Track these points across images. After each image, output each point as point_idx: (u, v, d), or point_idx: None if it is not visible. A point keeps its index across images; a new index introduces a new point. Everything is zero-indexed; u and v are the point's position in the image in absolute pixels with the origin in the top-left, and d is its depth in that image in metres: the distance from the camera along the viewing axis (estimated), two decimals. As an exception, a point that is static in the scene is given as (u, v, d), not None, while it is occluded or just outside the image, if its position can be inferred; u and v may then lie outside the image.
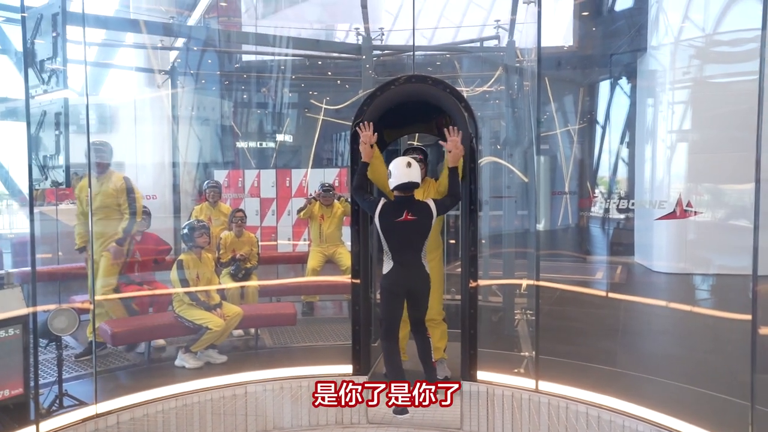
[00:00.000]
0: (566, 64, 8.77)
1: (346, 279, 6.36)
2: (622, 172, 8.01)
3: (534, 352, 4.35)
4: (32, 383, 3.67)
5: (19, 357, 3.55)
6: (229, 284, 5.79)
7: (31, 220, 3.61)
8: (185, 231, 5.14)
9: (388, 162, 4.21)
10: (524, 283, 6.22)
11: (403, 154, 4.34)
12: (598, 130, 8.52)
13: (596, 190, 8.68)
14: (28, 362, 3.59)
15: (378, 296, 4.09)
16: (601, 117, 8.49)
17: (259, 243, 6.44)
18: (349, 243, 6.99)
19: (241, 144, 10.43)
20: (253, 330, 5.63)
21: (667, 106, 7.70)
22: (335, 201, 6.84)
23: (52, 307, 3.78)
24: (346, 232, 6.98)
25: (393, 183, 3.97)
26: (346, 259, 6.68)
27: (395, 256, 4.02)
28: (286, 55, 8.39)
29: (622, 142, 7.76)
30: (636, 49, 8.52)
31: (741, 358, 3.53)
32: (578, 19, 8.65)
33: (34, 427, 3.52)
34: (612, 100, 8.26)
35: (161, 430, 4.11)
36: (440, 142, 4.19)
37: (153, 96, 8.67)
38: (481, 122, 7.38)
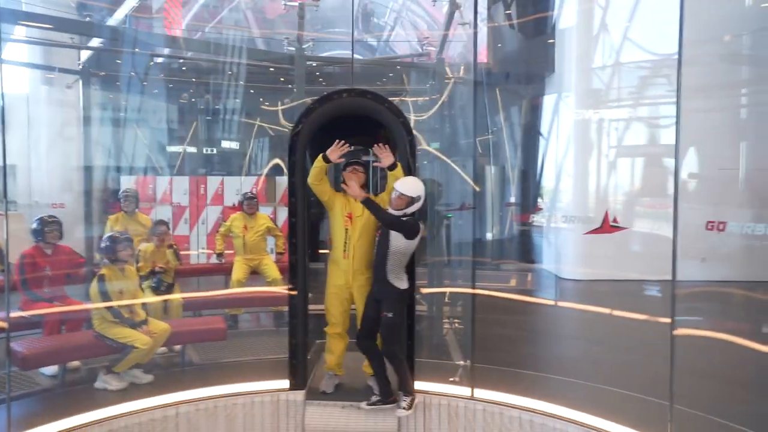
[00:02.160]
0: (513, 77, 9.27)
1: (277, 290, 6.28)
2: (566, 183, 8.54)
3: (468, 361, 4.53)
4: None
5: None
6: (153, 298, 5.49)
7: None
8: (106, 243, 4.81)
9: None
10: (448, 291, 6.45)
11: (344, 168, 4.35)
12: (542, 142, 9.04)
13: (540, 201, 9.21)
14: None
15: (389, 312, 4.07)
16: (545, 129, 9.03)
17: (179, 253, 6.16)
18: (273, 255, 6.92)
19: (153, 148, 9.91)
20: (178, 347, 5.37)
21: (608, 123, 8.43)
22: (257, 212, 6.73)
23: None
24: (270, 241, 6.89)
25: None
26: (272, 270, 6.57)
27: None
28: (224, 61, 8.13)
29: (565, 156, 8.32)
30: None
31: (658, 358, 3.89)
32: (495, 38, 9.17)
33: (-61, 465, 3.14)
34: (557, 114, 8.79)
35: (84, 458, 3.82)
36: (374, 163, 4.35)
37: (55, 95, 8.05)
38: (430, 132, 7.58)
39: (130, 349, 4.58)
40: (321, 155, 4.15)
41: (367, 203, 4.05)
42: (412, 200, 4.02)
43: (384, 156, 4.10)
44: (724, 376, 4.86)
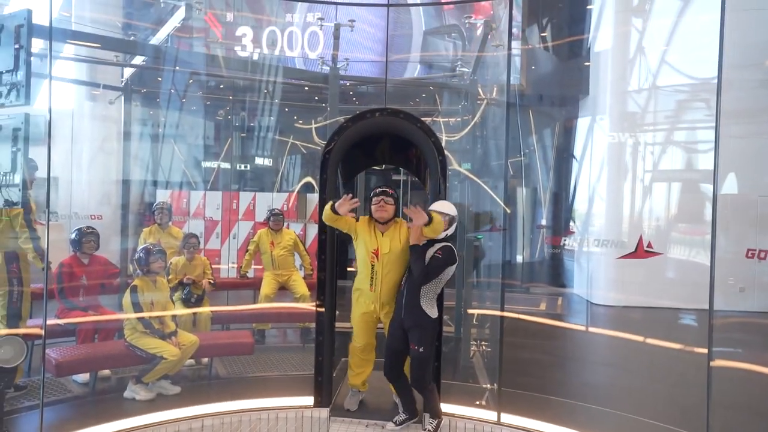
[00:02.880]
0: (546, 99, 9.23)
1: (305, 306, 6.32)
2: (599, 207, 8.41)
3: (495, 385, 4.45)
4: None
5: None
6: (184, 310, 5.57)
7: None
8: (140, 255, 4.93)
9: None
10: (476, 312, 6.38)
11: (372, 196, 4.13)
12: (575, 165, 8.94)
13: (572, 224, 9.08)
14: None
15: (420, 347, 3.93)
16: (578, 152, 8.94)
17: (212, 266, 6.26)
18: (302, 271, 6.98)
19: (189, 163, 10.15)
20: (205, 359, 5.43)
21: (644, 146, 8.32)
22: (284, 227, 6.82)
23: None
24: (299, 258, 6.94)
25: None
26: (300, 286, 6.62)
27: None
28: (260, 79, 8.33)
29: (599, 179, 8.21)
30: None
31: (693, 389, 3.76)
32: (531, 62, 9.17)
33: (-27, 467, 3.23)
34: (590, 137, 8.70)
35: (111, 467, 3.87)
36: (408, 224, 4.08)
37: (98, 111, 8.34)
38: (462, 153, 7.59)
39: (159, 360, 4.65)
40: (330, 204, 3.91)
41: (414, 248, 3.87)
42: (452, 220, 3.99)
43: (417, 216, 3.77)
44: (761, 410, 4.66)
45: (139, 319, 4.71)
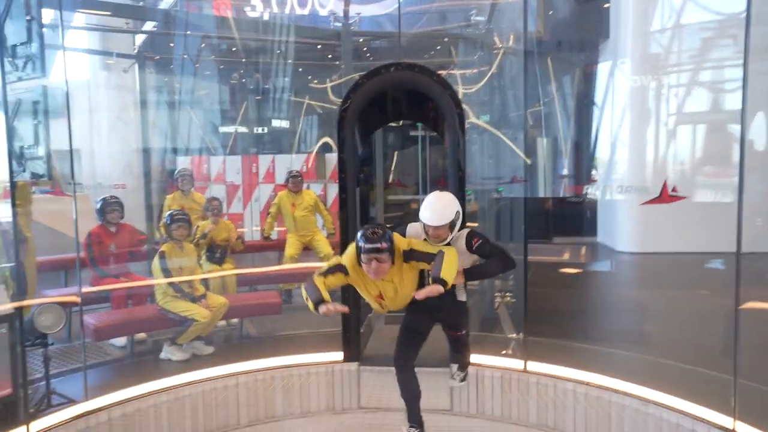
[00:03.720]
0: (565, 45, 8.88)
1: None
2: (621, 153, 8.16)
3: (521, 334, 4.50)
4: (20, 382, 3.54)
5: (6, 356, 3.42)
6: (211, 272, 5.70)
7: (14, 214, 3.46)
8: (167, 221, 5.03)
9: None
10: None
11: (361, 253, 3.10)
12: (596, 112, 8.66)
13: (594, 173, 8.89)
14: (16, 361, 3.47)
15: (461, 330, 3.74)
16: (599, 99, 8.64)
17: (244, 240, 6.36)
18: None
19: (207, 129, 10.17)
20: (236, 320, 5.58)
21: (667, 89, 8.02)
22: (303, 188, 6.86)
23: (37, 301, 3.65)
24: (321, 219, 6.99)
25: None
26: (324, 245, 6.69)
27: None
28: (272, 40, 8.21)
29: (621, 125, 7.92)
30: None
31: (721, 333, 3.75)
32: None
33: (24, 427, 3.41)
34: (612, 82, 8.37)
35: (153, 424, 4.05)
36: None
37: (113, 80, 8.34)
38: (479, 105, 7.43)
39: (191, 322, 4.80)
40: (311, 305, 3.09)
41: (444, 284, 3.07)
42: (452, 222, 3.32)
43: (425, 294, 3.03)
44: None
45: (169, 283, 4.84)
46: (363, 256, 3.05)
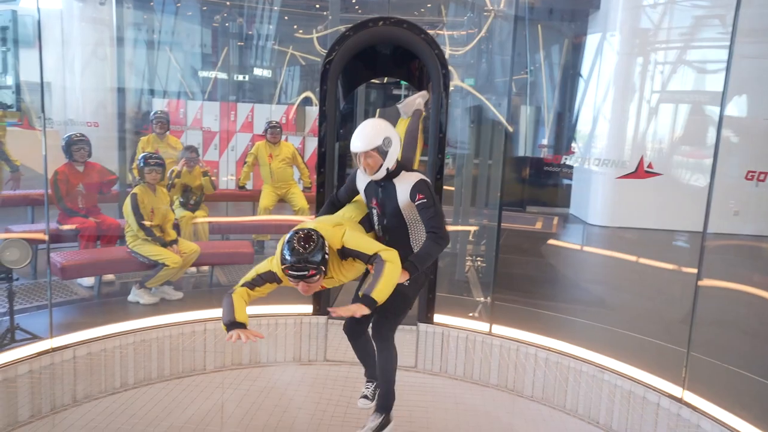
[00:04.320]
0: (556, 14, 8.72)
1: (304, 219, 6.37)
2: (602, 128, 8.13)
3: (488, 298, 4.59)
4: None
5: (-30, 289, 3.36)
6: (185, 219, 5.63)
7: (-21, 145, 3.33)
8: (140, 163, 4.92)
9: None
10: (472, 229, 6.47)
11: (290, 277, 2.57)
12: (581, 84, 8.59)
13: (573, 145, 8.90)
14: (-21, 295, 3.41)
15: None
16: (585, 71, 8.54)
17: (213, 181, 6.26)
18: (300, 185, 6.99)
19: (186, 72, 9.88)
20: (206, 267, 5.56)
21: (654, 66, 7.99)
22: (282, 140, 6.77)
23: (1, 236, 3.57)
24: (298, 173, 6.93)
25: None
26: (299, 199, 6.65)
27: None
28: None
29: (604, 99, 7.88)
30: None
31: (680, 307, 3.89)
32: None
33: (-13, 360, 3.39)
34: (599, 55, 8.28)
35: (119, 364, 4.06)
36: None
37: (88, 13, 7.97)
38: (465, 68, 7.32)
39: (161, 267, 4.76)
40: (224, 325, 2.72)
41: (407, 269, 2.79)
42: (383, 150, 2.86)
43: (344, 314, 2.61)
44: (743, 327, 4.85)
45: (140, 226, 4.77)
46: (290, 279, 2.55)
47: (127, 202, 4.84)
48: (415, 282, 2.97)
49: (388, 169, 2.91)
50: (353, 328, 3.14)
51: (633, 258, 5.82)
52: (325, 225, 2.80)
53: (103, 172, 5.53)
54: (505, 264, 6.04)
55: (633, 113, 8.04)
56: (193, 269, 5.56)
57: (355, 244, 2.73)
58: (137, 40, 8.66)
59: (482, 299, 5.06)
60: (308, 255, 2.51)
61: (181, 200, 5.80)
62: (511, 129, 5.58)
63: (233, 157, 9.48)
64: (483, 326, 4.45)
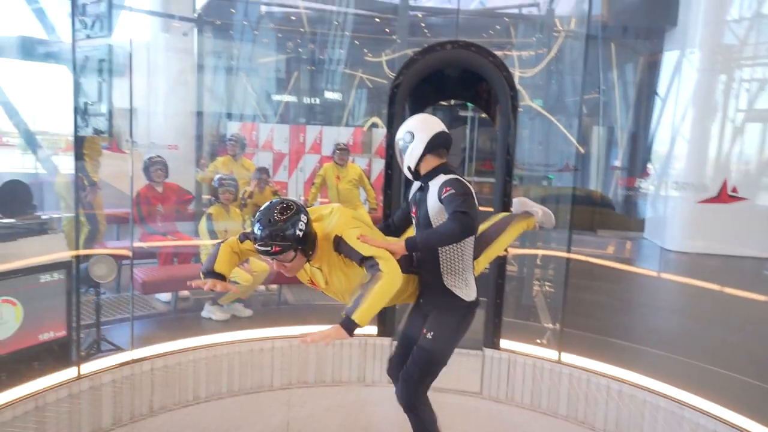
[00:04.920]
0: (631, 32, 8.46)
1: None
2: (681, 149, 7.69)
3: (558, 324, 4.45)
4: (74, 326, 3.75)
5: (63, 300, 3.62)
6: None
7: (76, 168, 3.61)
8: (215, 184, 5.16)
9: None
10: (540, 253, 6.31)
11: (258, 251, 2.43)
12: (658, 104, 8.23)
13: (649, 166, 8.52)
14: (71, 306, 3.66)
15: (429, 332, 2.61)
16: (662, 89, 8.18)
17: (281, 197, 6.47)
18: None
19: (260, 96, 10.31)
20: (275, 286, 5.71)
21: (739, 83, 7.59)
22: (349, 162, 6.90)
23: (93, 252, 3.82)
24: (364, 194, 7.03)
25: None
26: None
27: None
28: (330, 10, 8.19)
29: (683, 119, 7.49)
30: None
31: (766, 341, 3.61)
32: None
33: (76, 368, 3.61)
34: (677, 73, 7.91)
35: (192, 378, 4.22)
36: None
37: (172, 43, 8.51)
38: (534, 89, 7.24)
39: (232, 285, 4.92)
40: (202, 273, 2.61)
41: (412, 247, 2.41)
42: (403, 146, 2.61)
43: (317, 340, 2.25)
44: None
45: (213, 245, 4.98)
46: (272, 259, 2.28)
47: (203, 221, 5.07)
48: (446, 336, 2.55)
49: (409, 168, 2.58)
50: (395, 369, 2.72)
51: (716, 287, 5.44)
52: (349, 212, 2.46)
53: (180, 192, 5.84)
54: (574, 289, 5.85)
55: (715, 133, 7.60)
56: (263, 288, 5.73)
57: (353, 239, 2.28)
58: (216, 67, 9.15)
59: (551, 326, 4.91)
60: (275, 227, 2.18)
61: (252, 220, 6.01)
62: (582, 150, 5.42)
63: (302, 177, 9.75)
64: (552, 354, 4.30)
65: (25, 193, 3.58)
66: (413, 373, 2.59)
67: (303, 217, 2.24)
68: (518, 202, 3.19)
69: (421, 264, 2.62)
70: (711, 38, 7.70)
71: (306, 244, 2.25)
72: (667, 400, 3.74)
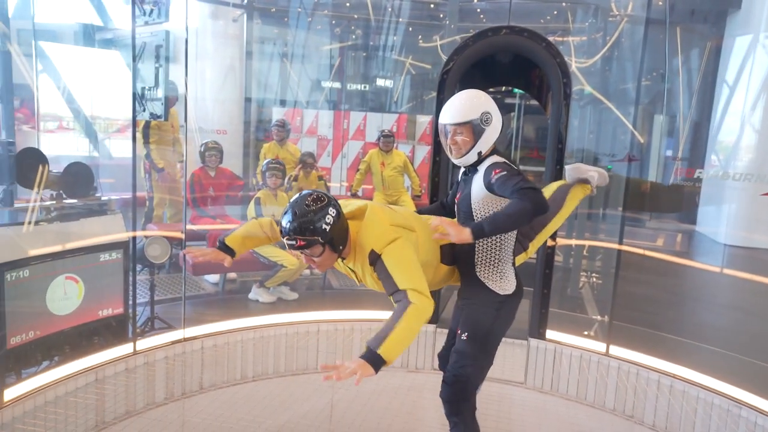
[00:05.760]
0: (698, 15, 8.00)
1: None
2: (750, 139, 7.21)
3: (606, 316, 4.36)
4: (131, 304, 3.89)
5: (120, 279, 3.76)
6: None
7: (133, 149, 3.72)
8: (263, 169, 5.24)
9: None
10: (587, 244, 6.18)
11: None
12: (725, 91, 7.77)
13: (713, 158, 8.12)
14: (128, 284, 3.80)
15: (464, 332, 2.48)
16: (730, 76, 7.67)
17: (327, 185, 6.54)
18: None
19: (307, 82, 10.38)
20: (320, 271, 5.78)
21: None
22: (394, 149, 6.89)
23: (148, 233, 3.94)
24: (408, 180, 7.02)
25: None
26: (409, 206, 6.74)
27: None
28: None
29: (753, 108, 7.01)
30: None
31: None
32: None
33: (132, 344, 3.75)
34: (748, 59, 7.40)
35: (240, 358, 4.33)
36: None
37: (221, 29, 8.64)
38: (589, 75, 6.99)
39: (279, 268, 5.03)
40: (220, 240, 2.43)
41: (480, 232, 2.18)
42: (479, 127, 2.35)
43: (336, 377, 1.96)
44: None
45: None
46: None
47: (251, 205, 5.17)
48: (482, 336, 2.39)
49: (479, 153, 2.36)
50: (443, 359, 2.64)
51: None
52: (384, 219, 2.21)
53: (233, 177, 5.96)
54: (623, 281, 5.72)
55: None
56: (308, 272, 5.81)
57: (393, 263, 2.11)
58: (264, 53, 9.25)
59: (599, 317, 4.82)
60: (301, 220, 2.06)
61: None
62: (642, 140, 5.22)
63: (345, 164, 9.80)
64: (599, 346, 4.23)
65: (88, 175, 3.71)
66: (453, 377, 2.46)
67: (332, 211, 2.12)
68: (572, 169, 2.90)
69: (459, 253, 2.45)
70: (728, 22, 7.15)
71: (334, 240, 2.13)
72: (721, 398, 3.63)
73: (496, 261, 2.42)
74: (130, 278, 3.85)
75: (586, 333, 4.49)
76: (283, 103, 9.50)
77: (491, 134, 2.37)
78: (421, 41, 9.84)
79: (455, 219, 2.56)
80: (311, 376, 4.46)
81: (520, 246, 2.56)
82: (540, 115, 9.02)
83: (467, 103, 2.37)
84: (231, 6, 8.07)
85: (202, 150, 5.73)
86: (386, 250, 2.13)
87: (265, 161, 5.37)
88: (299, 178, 6.12)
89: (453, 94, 4.51)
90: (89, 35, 6.30)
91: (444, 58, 7.96)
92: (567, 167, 2.99)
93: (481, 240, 2.35)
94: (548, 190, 2.89)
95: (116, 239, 3.70)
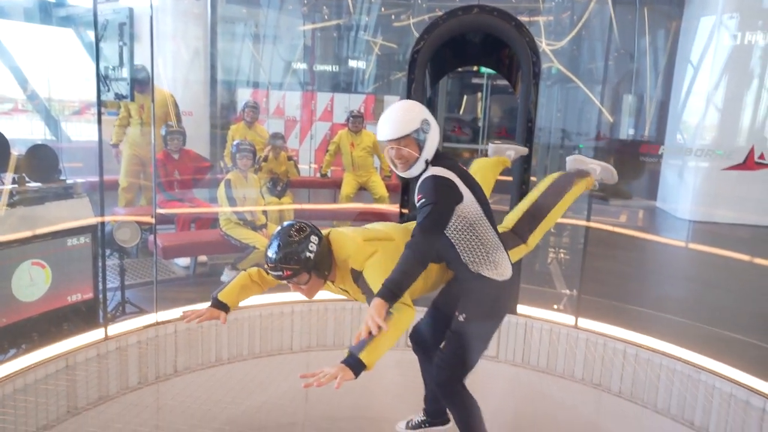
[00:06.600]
0: None
1: (384, 207, 6.49)
2: (712, 118, 7.36)
3: (575, 291, 4.49)
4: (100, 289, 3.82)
5: (89, 264, 3.68)
6: (272, 204, 5.87)
7: (99, 131, 3.62)
8: (233, 150, 5.17)
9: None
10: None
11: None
12: (689, 71, 7.92)
13: (678, 136, 8.29)
14: (97, 269, 3.72)
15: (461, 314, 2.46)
16: (695, 57, 7.81)
17: (297, 166, 6.51)
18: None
19: (273, 63, 10.21)
20: (292, 251, 5.77)
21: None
22: (363, 129, 6.89)
23: (116, 218, 3.87)
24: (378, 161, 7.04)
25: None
26: (379, 187, 6.76)
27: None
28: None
29: (716, 87, 7.15)
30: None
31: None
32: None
33: (103, 329, 3.69)
34: (713, 39, 7.53)
35: (214, 341, 4.30)
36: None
37: (184, 7, 8.40)
38: (560, 55, 7.05)
39: (251, 249, 5.00)
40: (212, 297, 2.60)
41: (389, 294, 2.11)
42: (421, 137, 2.33)
43: (320, 382, 2.01)
44: None
45: (233, 211, 5.02)
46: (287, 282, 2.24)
47: (221, 187, 5.10)
48: (480, 317, 2.41)
49: (427, 161, 2.34)
50: (419, 335, 2.68)
51: (746, 257, 5.38)
52: (356, 237, 2.32)
53: (197, 158, 5.86)
54: (589, 256, 5.88)
55: (750, 101, 7.22)
56: (281, 253, 5.79)
57: (373, 277, 2.18)
58: (228, 33, 9.04)
59: (567, 292, 4.96)
60: (284, 251, 2.15)
61: (269, 186, 6.04)
62: (611, 119, 5.32)
63: (313, 145, 9.74)
64: (568, 319, 4.36)
65: (52, 157, 3.60)
66: (446, 359, 2.48)
67: (314, 238, 2.21)
68: (573, 160, 2.91)
69: (442, 258, 2.48)
70: (750, 1, 7.29)
71: (318, 266, 2.22)
72: (683, 364, 3.80)
73: (484, 253, 2.42)
74: (100, 263, 3.77)
75: (555, 307, 4.62)
76: (250, 83, 9.34)
77: (433, 141, 2.37)
78: (392, 21, 9.78)
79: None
80: (287, 356, 4.47)
81: (517, 238, 2.63)
82: (506, 94, 9.11)
83: (406, 116, 2.35)
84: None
85: (163, 134, 5.61)
86: (366, 265, 2.23)
87: (235, 142, 5.30)
88: (269, 159, 6.07)
89: (424, 73, 4.55)
90: (45, 12, 6.04)
91: (415, 33, 7.94)
92: (568, 158, 3.00)
93: (459, 242, 2.39)
94: (545, 182, 2.89)
95: (84, 224, 3.61)
